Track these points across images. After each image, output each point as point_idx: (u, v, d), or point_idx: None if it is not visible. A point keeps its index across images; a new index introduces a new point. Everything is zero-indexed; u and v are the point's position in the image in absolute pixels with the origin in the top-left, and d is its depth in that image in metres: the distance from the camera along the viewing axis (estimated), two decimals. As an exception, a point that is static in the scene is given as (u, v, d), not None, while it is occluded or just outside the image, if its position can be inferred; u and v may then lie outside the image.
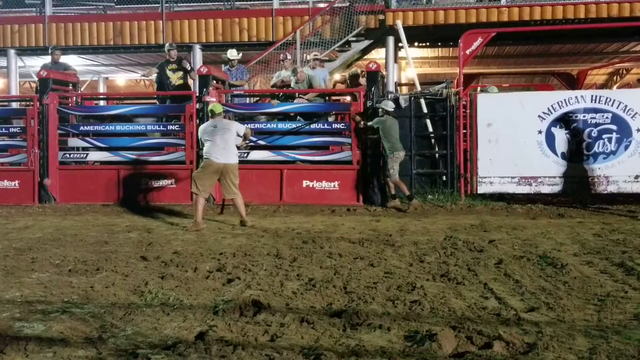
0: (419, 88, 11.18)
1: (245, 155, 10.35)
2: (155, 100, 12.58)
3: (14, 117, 11.85)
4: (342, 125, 10.47)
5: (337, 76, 14.04)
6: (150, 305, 4.18)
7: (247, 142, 8.83)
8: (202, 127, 8.31)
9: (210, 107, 8.31)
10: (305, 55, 12.24)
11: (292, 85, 10.94)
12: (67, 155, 10.85)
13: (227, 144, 7.91)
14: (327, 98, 11.58)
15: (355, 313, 3.84)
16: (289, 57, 11.73)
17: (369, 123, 9.65)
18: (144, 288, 4.63)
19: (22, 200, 10.52)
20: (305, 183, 10.17)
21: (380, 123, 9.49)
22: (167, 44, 11.76)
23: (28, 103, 11.78)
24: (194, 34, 14.19)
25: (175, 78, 11.23)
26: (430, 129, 10.23)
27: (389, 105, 9.53)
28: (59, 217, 9.02)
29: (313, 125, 10.38)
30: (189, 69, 11.32)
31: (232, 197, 8.09)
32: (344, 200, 9.97)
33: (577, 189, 9.72)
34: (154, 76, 11.89)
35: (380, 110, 9.59)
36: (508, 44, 14.19)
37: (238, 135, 8.05)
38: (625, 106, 9.44)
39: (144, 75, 14.24)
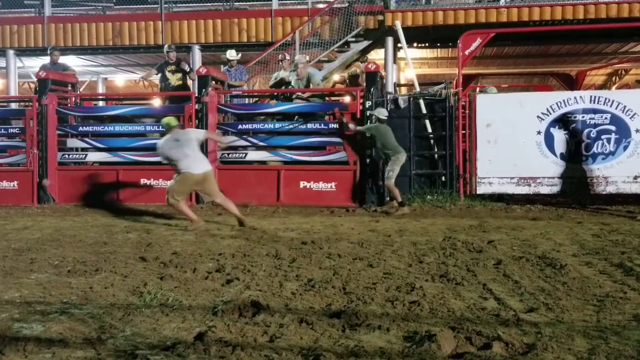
0: (418, 89, 11.18)
1: (244, 155, 10.35)
2: (153, 102, 12.58)
3: (13, 117, 11.85)
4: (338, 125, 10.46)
5: (337, 77, 14.04)
6: (149, 306, 4.17)
7: (227, 142, 8.69)
8: (161, 142, 7.98)
9: (164, 121, 8.07)
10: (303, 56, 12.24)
11: (292, 82, 10.92)
12: (66, 156, 10.85)
13: (196, 153, 7.86)
14: (325, 98, 11.57)
15: (354, 314, 3.84)
16: (287, 57, 11.73)
17: (359, 128, 9.60)
18: (143, 289, 4.63)
19: (21, 201, 10.52)
20: (302, 184, 10.15)
21: (371, 129, 9.43)
22: (165, 46, 11.76)
23: (27, 104, 11.78)
24: (193, 34, 14.19)
25: (174, 79, 11.25)
26: (430, 130, 10.23)
27: (382, 114, 9.48)
28: (57, 218, 9.02)
29: (309, 125, 10.35)
30: (188, 70, 11.33)
31: (220, 201, 8.00)
32: (341, 202, 9.92)
33: (576, 189, 9.73)
34: (153, 77, 11.89)
35: (373, 117, 9.54)
36: (507, 44, 14.21)
37: (198, 140, 7.99)
38: (624, 107, 9.45)
39: (142, 77, 14.25)
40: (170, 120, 8.06)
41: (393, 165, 9.33)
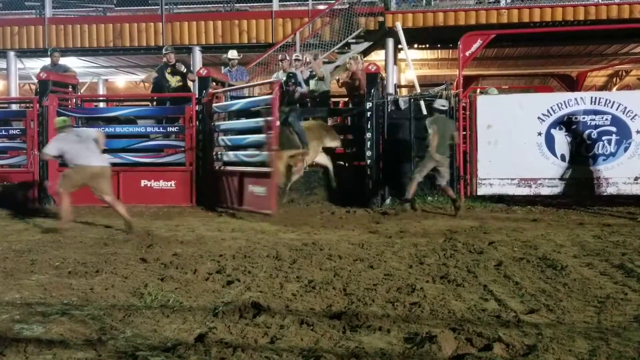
0: (418, 90, 11.17)
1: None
2: (148, 103, 12.58)
3: (14, 119, 11.86)
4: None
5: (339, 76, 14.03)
6: (150, 307, 4.17)
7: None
8: (60, 137, 7.97)
9: (60, 120, 8.15)
10: (304, 57, 12.24)
11: (301, 76, 10.94)
12: (67, 157, 10.84)
13: (96, 149, 7.89)
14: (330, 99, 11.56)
15: (355, 315, 3.84)
16: (288, 57, 11.73)
17: (429, 129, 9.00)
18: (144, 290, 4.62)
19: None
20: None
21: (432, 123, 8.98)
22: (163, 48, 11.76)
23: (28, 105, 11.79)
24: (193, 35, 14.21)
25: (174, 81, 11.25)
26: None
27: (439, 104, 9.10)
28: (58, 219, 9.00)
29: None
30: (185, 71, 11.30)
31: (110, 200, 7.99)
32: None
33: (577, 190, 9.73)
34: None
35: (433, 109, 9.19)
36: (507, 45, 14.22)
37: (94, 138, 8.01)
38: (625, 108, 9.45)
39: (143, 80, 14.26)
40: (65, 120, 8.22)
41: (425, 161, 8.99)
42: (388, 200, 9.91)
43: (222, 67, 12.50)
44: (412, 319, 3.85)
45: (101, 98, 16.07)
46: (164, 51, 11.46)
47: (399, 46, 13.02)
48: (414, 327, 3.67)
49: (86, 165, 7.74)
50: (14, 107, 12.75)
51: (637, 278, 4.90)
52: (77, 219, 9.05)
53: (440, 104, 9.19)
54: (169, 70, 11.23)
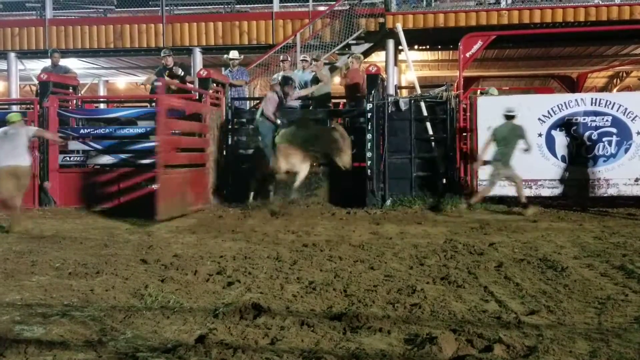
0: (419, 91, 11.18)
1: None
2: (146, 104, 12.60)
3: (14, 120, 11.85)
4: None
5: (337, 78, 14.05)
6: (150, 308, 4.17)
7: (59, 142, 9.00)
8: None
9: (7, 117, 8.27)
10: (311, 57, 12.25)
11: (304, 77, 10.93)
12: (67, 158, 10.86)
13: (17, 148, 7.89)
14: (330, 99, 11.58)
15: (355, 316, 3.83)
16: (289, 58, 11.74)
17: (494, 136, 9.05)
18: (144, 291, 4.62)
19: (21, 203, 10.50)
20: None
21: (492, 131, 9.05)
22: (162, 51, 11.76)
23: (28, 106, 11.79)
24: (194, 37, 14.21)
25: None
26: (431, 132, 10.23)
27: (506, 110, 9.06)
28: (59, 220, 9.01)
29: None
30: (181, 74, 11.29)
31: (11, 202, 7.98)
32: None
33: (577, 191, 9.73)
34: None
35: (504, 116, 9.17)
36: (508, 46, 14.21)
37: (27, 135, 8.03)
38: (625, 109, 9.45)
39: (143, 83, 14.27)
40: (12, 116, 8.25)
41: (492, 168, 9.02)
42: (388, 202, 9.91)
43: (223, 69, 12.49)
44: (412, 320, 3.84)
45: (102, 99, 16.07)
46: (162, 54, 11.47)
47: (400, 47, 13.03)
48: (415, 328, 3.67)
49: (1, 167, 7.81)
50: (15, 108, 12.73)
51: (638, 279, 4.90)
52: (77, 220, 9.07)
53: (506, 110, 9.14)
54: (167, 72, 11.24)
